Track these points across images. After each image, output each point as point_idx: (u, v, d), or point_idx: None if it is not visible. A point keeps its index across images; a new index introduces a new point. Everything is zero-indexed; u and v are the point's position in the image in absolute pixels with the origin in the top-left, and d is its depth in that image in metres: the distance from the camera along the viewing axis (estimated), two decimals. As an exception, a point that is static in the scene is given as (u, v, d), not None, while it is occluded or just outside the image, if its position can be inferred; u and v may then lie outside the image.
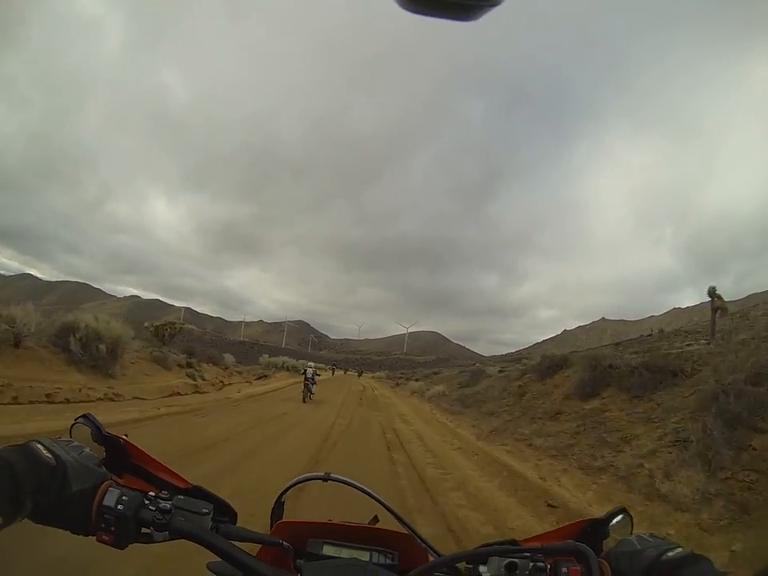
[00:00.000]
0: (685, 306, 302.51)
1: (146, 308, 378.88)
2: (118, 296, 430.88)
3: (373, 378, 70.81)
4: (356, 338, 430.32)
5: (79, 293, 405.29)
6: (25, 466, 0.62)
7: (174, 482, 0.84)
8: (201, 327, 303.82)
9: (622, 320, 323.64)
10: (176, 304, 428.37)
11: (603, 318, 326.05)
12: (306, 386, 17.67)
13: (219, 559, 0.72)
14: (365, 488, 0.93)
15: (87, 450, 0.74)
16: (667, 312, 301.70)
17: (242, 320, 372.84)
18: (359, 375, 73.01)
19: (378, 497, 0.93)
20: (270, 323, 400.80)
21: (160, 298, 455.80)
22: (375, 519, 0.98)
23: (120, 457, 0.83)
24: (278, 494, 1.00)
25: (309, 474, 0.95)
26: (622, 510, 0.82)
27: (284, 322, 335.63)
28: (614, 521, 0.80)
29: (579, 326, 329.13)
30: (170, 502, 0.73)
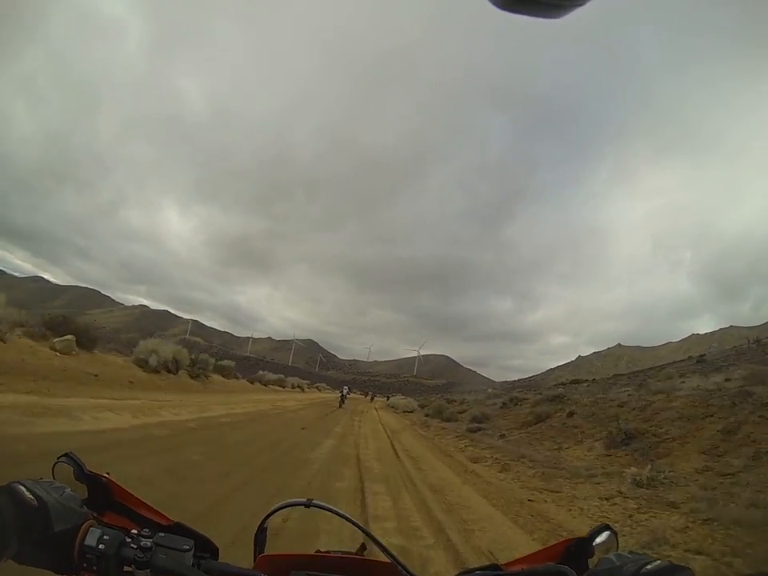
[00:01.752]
0: (703, 333, 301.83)
1: (154, 318, 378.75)
2: (126, 304, 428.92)
3: (389, 406, 45.88)
4: (365, 360, 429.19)
5: (88, 298, 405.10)
6: (10, 508, 0.64)
7: (156, 519, 0.87)
8: (208, 341, 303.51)
9: (639, 346, 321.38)
10: (184, 316, 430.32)
11: (619, 344, 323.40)
12: (341, 398, 32.34)
13: None
14: (347, 515, 0.94)
15: (68, 490, 0.77)
16: (685, 338, 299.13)
17: (249, 336, 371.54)
18: (371, 399, 66.40)
19: (359, 524, 0.96)
20: (279, 341, 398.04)
21: (169, 309, 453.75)
22: (363, 547, 1.05)
23: (103, 495, 0.86)
24: (260, 521, 1.02)
25: (291, 500, 0.97)
26: (606, 528, 0.82)
27: (292, 340, 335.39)
28: (598, 539, 0.80)
29: (594, 352, 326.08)
30: (151, 540, 0.74)
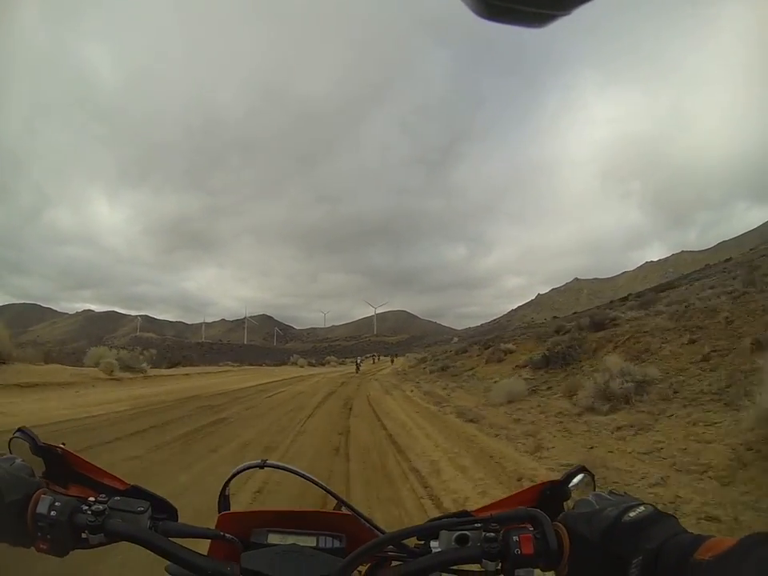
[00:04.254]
0: (657, 260, 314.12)
1: (101, 321, 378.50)
2: (71, 313, 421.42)
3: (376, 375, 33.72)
4: (322, 326, 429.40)
5: (28, 314, 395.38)
6: None
7: (113, 485, 0.85)
8: (160, 334, 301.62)
9: (596, 278, 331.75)
10: (132, 313, 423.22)
11: (576, 278, 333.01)
12: (357, 366, 42.17)
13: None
14: (303, 472, 0.92)
15: (19, 460, 0.76)
16: (640, 267, 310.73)
17: (202, 321, 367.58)
18: (357, 369, 40.40)
19: (316, 480, 0.93)
20: (233, 321, 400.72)
21: (116, 309, 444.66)
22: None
23: (61, 466, 0.84)
24: (221, 487, 1.00)
25: (246, 463, 0.96)
26: (582, 469, 0.80)
27: (244, 318, 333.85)
28: (574, 481, 0.79)
29: (553, 289, 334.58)
30: (105, 504, 0.73)
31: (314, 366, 60.03)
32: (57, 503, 0.70)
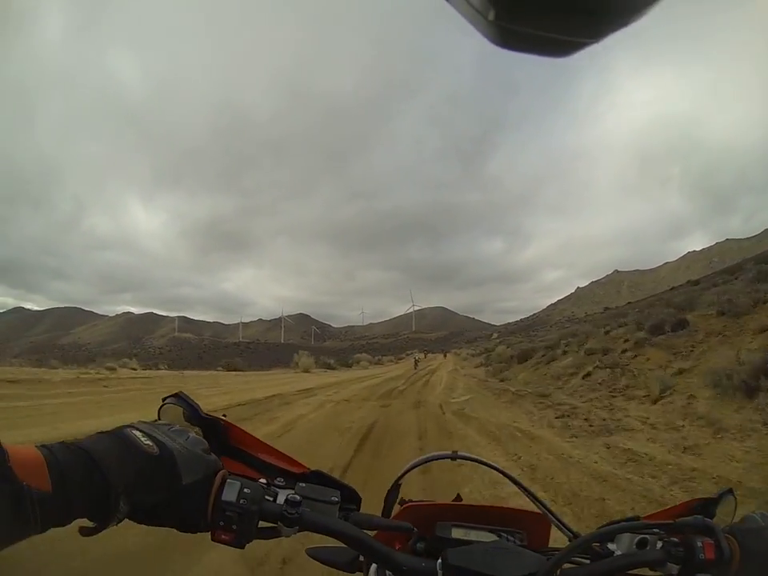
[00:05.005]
0: (699, 249, 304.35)
1: (140, 323, 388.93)
2: (111, 315, 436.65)
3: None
4: (360, 324, 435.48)
5: (70, 317, 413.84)
6: (115, 460, 0.53)
7: (287, 467, 0.78)
8: (198, 334, 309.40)
9: (637, 270, 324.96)
10: (170, 315, 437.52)
11: (616, 270, 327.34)
12: (415, 362, 41.57)
13: (319, 545, 0.69)
14: (496, 465, 0.95)
15: (192, 434, 0.65)
16: (683, 257, 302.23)
17: (239, 321, 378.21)
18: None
19: (509, 473, 0.94)
20: (270, 321, 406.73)
21: (154, 311, 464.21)
22: (458, 497, 0.99)
23: (219, 440, 0.77)
24: (396, 478, 0.96)
25: (435, 454, 0.95)
26: (730, 492, 0.82)
27: (281, 317, 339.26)
28: (722, 501, 0.81)
29: (593, 282, 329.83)
30: (294, 492, 0.68)
31: (368, 366, 53.35)
32: (246, 489, 0.62)
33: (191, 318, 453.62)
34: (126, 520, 0.56)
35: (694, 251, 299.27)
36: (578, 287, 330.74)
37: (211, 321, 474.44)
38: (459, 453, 0.95)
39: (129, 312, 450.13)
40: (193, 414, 0.74)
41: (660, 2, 0.24)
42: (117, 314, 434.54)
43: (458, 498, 0.99)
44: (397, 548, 0.79)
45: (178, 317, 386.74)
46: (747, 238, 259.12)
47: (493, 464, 0.95)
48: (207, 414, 0.76)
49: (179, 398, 0.75)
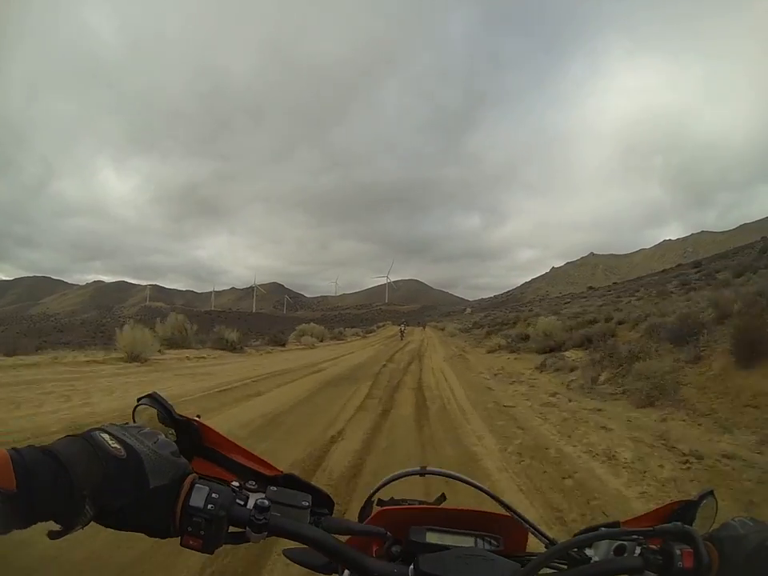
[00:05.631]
0: (675, 239, 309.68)
1: (111, 291, 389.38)
2: (81, 284, 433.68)
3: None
4: (333, 295, 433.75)
5: (39, 287, 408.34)
6: (83, 463, 0.53)
7: (259, 469, 0.77)
8: (169, 303, 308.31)
9: (612, 254, 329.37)
10: (142, 283, 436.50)
11: (592, 253, 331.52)
12: (401, 331, 40.46)
13: (296, 546, 0.69)
14: (466, 478, 0.93)
15: (162, 437, 0.65)
16: (658, 245, 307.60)
17: (211, 290, 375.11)
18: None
19: (479, 485, 0.92)
20: (243, 289, 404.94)
21: (125, 280, 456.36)
22: (443, 497, 0.99)
23: (190, 441, 0.76)
24: (369, 494, 0.98)
25: (404, 471, 0.95)
26: (710, 494, 0.81)
27: (253, 286, 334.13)
28: (702, 504, 0.80)
29: (568, 262, 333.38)
30: (264, 496, 0.67)
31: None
32: (214, 494, 0.60)
33: (163, 286, 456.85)
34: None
35: (670, 240, 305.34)
36: (554, 267, 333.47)
37: (184, 289, 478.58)
38: (428, 468, 0.95)
39: (99, 281, 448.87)
40: (166, 415, 0.74)
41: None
42: (87, 283, 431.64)
43: (442, 497, 0.99)
44: (374, 552, 0.79)
45: (150, 285, 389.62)
46: (722, 232, 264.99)
47: (462, 476, 0.93)
48: (180, 415, 0.75)
49: (153, 398, 0.75)
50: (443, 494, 1.00)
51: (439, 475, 0.95)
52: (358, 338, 42.31)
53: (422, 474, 0.96)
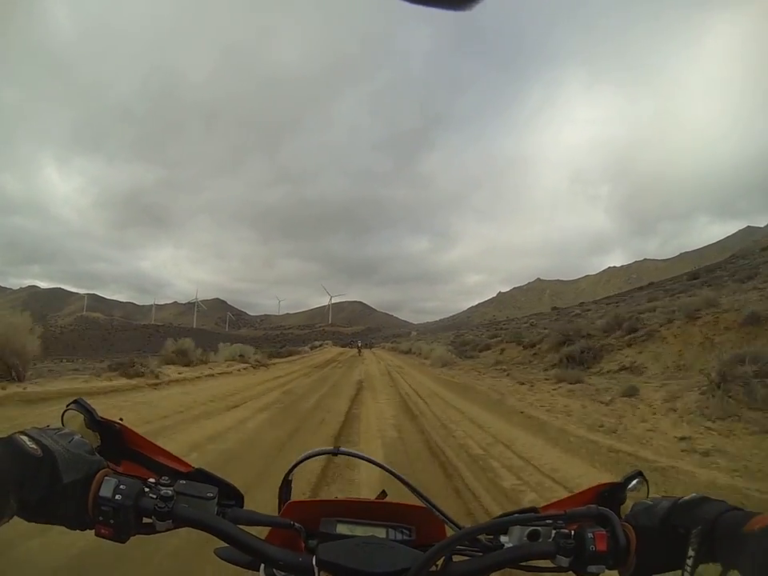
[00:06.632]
0: (619, 266, 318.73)
1: (46, 298, 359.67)
2: (14, 288, 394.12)
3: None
4: (276, 314, 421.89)
5: None
6: (6, 462, 0.59)
7: (175, 466, 0.82)
8: (108, 314, 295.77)
9: (559, 280, 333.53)
10: (80, 292, 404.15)
11: (539, 278, 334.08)
12: (359, 349, 48.87)
13: (227, 545, 0.72)
14: (377, 461, 0.93)
15: (78, 437, 0.70)
16: (603, 271, 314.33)
17: (152, 303, 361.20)
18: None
19: (391, 469, 0.91)
20: (185, 304, 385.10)
21: (62, 287, 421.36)
22: (383, 494, 0.99)
23: (116, 443, 0.81)
24: (285, 473, 0.98)
25: (317, 449, 0.94)
26: (639, 474, 0.83)
27: (195, 301, 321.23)
28: (630, 485, 0.82)
29: (515, 287, 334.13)
30: (172, 488, 0.71)
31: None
32: (122, 486, 0.66)
33: (103, 296, 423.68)
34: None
35: (614, 267, 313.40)
36: (500, 291, 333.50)
37: (124, 301, 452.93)
38: (341, 449, 0.94)
39: (35, 286, 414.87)
40: (90, 419, 0.79)
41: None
42: (21, 288, 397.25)
43: (383, 494, 0.98)
44: (300, 547, 0.80)
45: (88, 294, 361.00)
46: (663, 260, 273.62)
47: (374, 460, 0.93)
48: (102, 419, 0.80)
49: (78, 403, 0.80)
50: (384, 490, 0.98)
51: (353, 456, 0.94)
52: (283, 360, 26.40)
53: (334, 454, 0.93)
